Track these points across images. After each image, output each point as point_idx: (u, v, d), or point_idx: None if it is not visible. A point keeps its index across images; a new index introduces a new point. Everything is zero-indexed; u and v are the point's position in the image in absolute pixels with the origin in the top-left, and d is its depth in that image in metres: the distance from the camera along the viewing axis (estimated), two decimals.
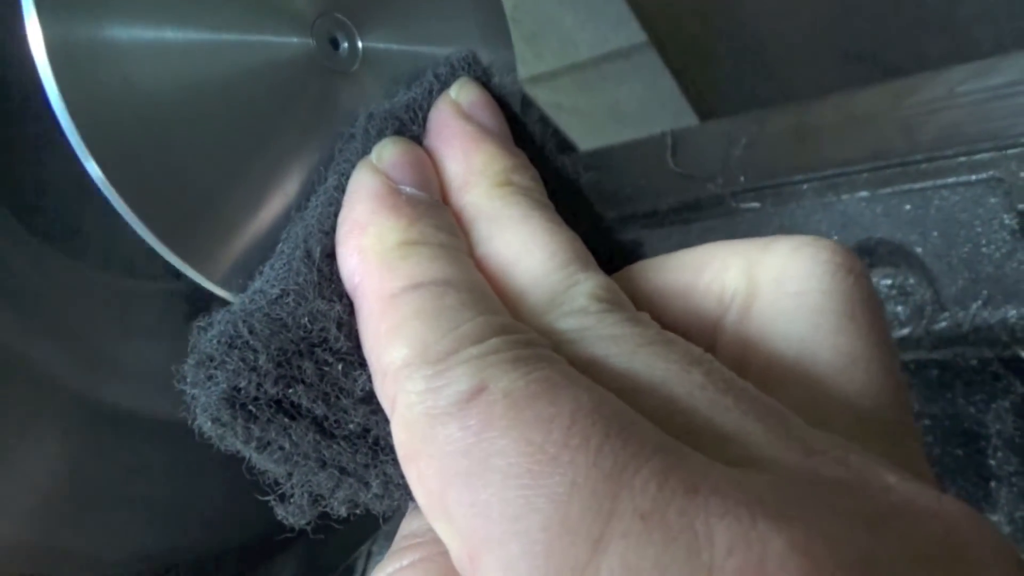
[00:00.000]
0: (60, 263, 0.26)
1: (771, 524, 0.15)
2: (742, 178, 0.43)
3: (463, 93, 0.26)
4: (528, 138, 0.27)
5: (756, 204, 0.42)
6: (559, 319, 0.21)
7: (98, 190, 0.20)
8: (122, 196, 0.20)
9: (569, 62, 1.11)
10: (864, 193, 0.39)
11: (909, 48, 0.93)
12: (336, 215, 0.23)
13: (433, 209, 0.23)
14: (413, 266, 0.21)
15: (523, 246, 0.22)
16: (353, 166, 0.24)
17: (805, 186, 0.40)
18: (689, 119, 1.17)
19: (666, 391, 0.19)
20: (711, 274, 0.23)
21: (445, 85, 0.26)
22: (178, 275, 0.21)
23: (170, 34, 0.21)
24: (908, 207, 0.38)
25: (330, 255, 0.22)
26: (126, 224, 0.20)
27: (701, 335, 0.23)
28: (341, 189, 0.23)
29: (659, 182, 0.45)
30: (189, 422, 0.21)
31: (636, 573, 0.15)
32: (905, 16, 0.91)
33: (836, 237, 0.40)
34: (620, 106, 1.19)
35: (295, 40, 0.25)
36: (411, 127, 0.25)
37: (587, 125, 1.24)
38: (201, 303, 0.22)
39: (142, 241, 0.20)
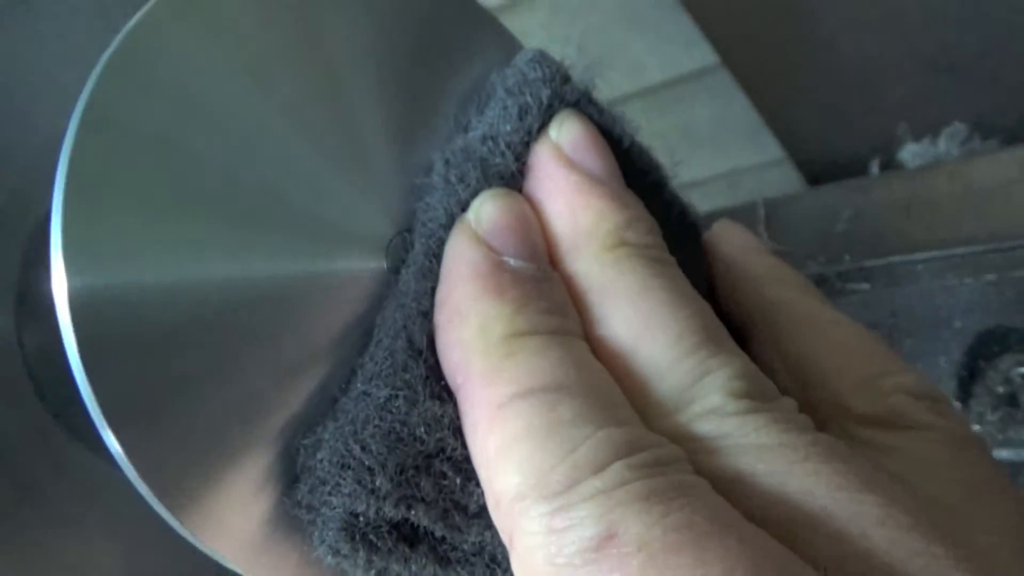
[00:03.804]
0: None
1: None
2: (847, 256, 0.39)
3: (564, 132, 0.23)
4: (638, 169, 0.24)
5: (865, 285, 0.38)
6: (692, 422, 0.18)
7: (113, 460, 0.17)
8: (143, 479, 0.17)
9: (640, 86, 1.08)
10: (991, 276, 0.35)
11: (1001, 56, 0.88)
12: (432, 292, 0.21)
13: (542, 286, 0.20)
14: (520, 367, 0.19)
15: (643, 326, 0.20)
16: (440, 225, 0.21)
17: (921, 266, 0.37)
18: (766, 139, 1.13)
19: (833, 527, 0.16)
20: None
21: (519, 97, 0.23)
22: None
23: (219, 270, 0.18)
24: None
25: (432, 340, 0.20)
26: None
27: None
28: (432, 255, 0.21)
29: None
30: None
31: None
32: (995, 22, 0.86)
33: (959, 324, 0.36)
34: (693, 128, 1.15)
35: (368, 265, 0.22)
36: (493, 160, 0.22)
37: (660, 148, 1.20)
38: None
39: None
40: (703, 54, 0.97)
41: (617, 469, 0.17)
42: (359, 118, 0.22)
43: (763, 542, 0.16)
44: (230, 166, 0.19)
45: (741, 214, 0.44)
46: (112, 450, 0.17)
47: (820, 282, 0.40)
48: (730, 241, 0.25)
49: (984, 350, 0.36)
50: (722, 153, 1.07)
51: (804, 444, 0.17)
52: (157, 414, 0.17)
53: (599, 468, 0.17)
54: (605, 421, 0.18)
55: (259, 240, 0.19)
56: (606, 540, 0.16)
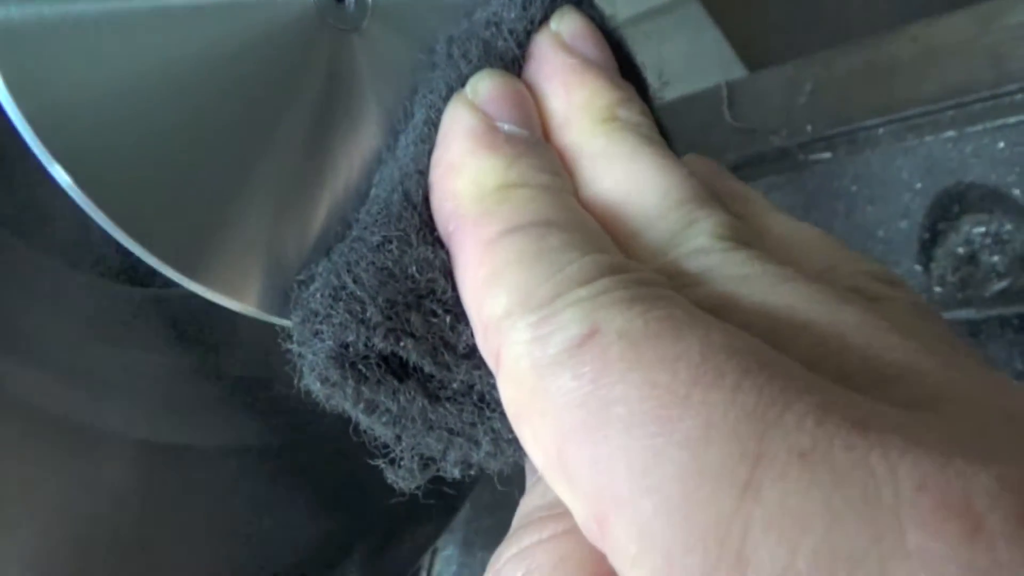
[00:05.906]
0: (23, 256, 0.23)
1: (971, 460, 0.12)
2: (809, 127, 0.39)
3: (564, 23, 0.23)
4: (635, 72, 0.25)
5: (827, 154, 0.38)
6: (678, 260, 0.19)
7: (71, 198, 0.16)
8: (107, 212, 0.17)
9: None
10: (950, 133, 0.35)
11: None
12: (430, 154, 0.21)
13: (534, 148, 0.21)
14: (512, 209, 0.19)
15: (633, 185, 0.20)
16: (441, 98, 0.22)
17: (881, 130, 0.37)
18: (739, 73, 1.12)
19: (813, 332, 0.16)
20: None
21: None
22: (168, 282, 0.18)
23: (139, 2, 0.18)
24: (1001, 145, 0.34)
25: (428, 197, 0.21)
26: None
27: None
28: (431, 124, 0.22)
29: (717, 138, 0.42)
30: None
31: (800, 519, 0.13)
32: None
33: (920, 185, 0.36)
34: (665, 64, 1.14)
35: None
36: (496, 43, 0.23)
37: None
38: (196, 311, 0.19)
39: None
40: None
41: (603, 282, 0.17)
42: None
43: (740, 333, 0.16)
44: None
45: (705, 97, 0.43)
46: (59, 179, 0.16)
47: (782, 156, 0.40)
48: (697, 166, 0.26)
49: (944, 211, 0.37)
50: (694, 89, 1.06)
51: (787, 272, 0.18)
52: (105, 142, 0.17)
53: (586, 282, 0.17)
54: (592, 249, 0.18)
55: None
56: (588, 337, 0.16)
